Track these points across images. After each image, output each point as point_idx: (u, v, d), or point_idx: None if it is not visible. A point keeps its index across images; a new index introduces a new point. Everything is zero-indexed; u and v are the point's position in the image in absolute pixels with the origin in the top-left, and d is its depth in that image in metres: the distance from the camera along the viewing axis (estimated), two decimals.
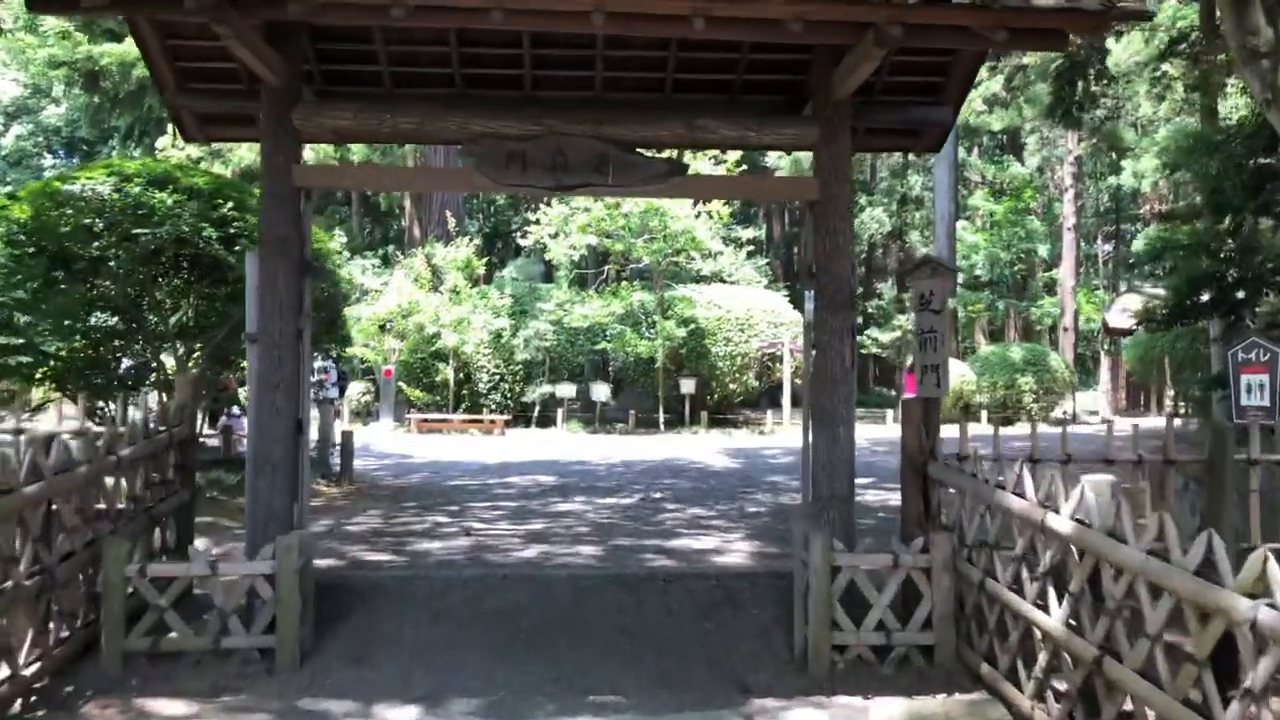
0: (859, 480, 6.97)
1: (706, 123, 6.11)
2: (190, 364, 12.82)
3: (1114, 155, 34.65)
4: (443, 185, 7.15)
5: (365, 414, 26.83)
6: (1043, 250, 34.44)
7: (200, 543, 7.20)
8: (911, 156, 39.29)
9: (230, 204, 11.35)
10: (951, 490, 6.05)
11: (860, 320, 40.48)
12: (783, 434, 24.39)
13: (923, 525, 6.12)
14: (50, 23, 29.72)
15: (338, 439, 15.15)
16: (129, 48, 30.65)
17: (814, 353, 6.41)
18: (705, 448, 19.15)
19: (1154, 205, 33.50)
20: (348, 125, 6.10)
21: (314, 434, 16.66)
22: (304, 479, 6.35)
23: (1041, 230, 34.55)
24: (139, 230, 10.78)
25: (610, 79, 6.99)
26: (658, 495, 11.53)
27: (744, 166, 24.28)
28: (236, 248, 11.37)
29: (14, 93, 39.51)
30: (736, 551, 8.50)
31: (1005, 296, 34.20)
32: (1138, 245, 34.57)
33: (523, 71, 6.88)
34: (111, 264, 11.08)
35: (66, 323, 11.22)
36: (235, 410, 14.92)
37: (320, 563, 7.89)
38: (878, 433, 25.33)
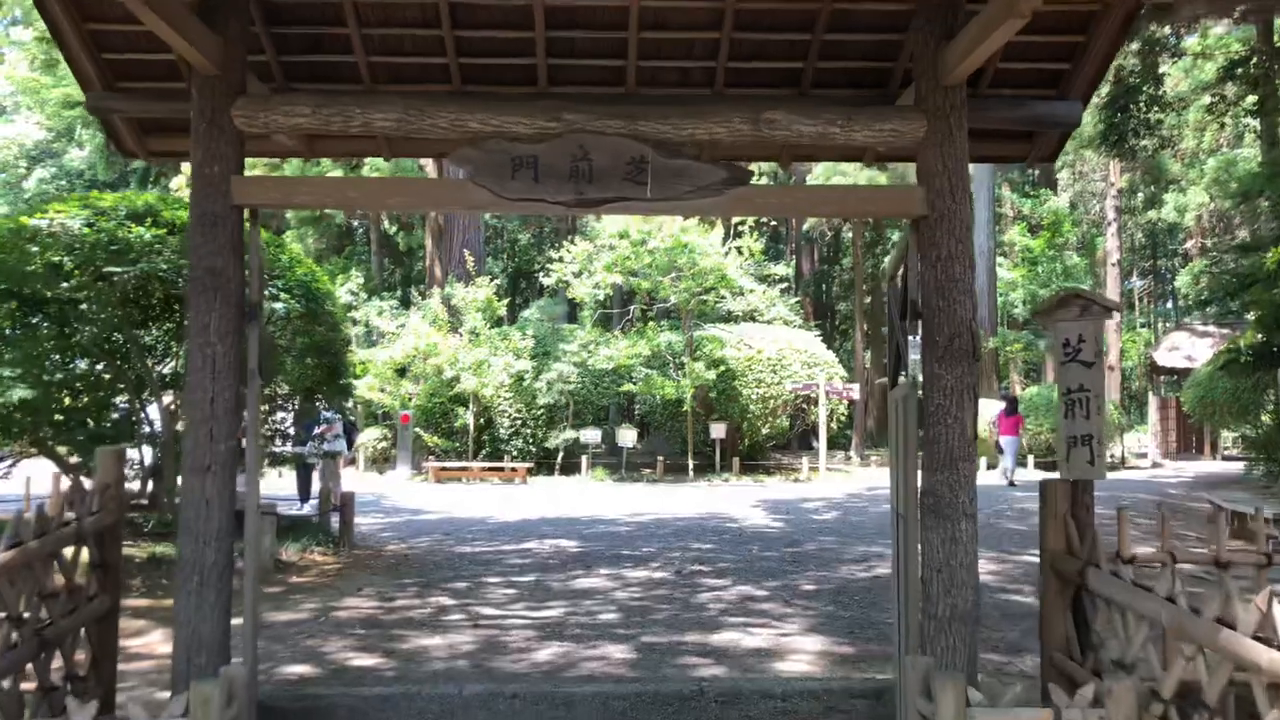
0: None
1: (777, 116, 4.50)
2: (180, 416, 11.36)
3: (1154, 188, 32.96)
4: (431, 202, 5.77)
5: (382, 461, 25.28)
6: (1082, 286, 32.62)
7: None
8: None
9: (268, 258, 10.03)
10: (1111, 601, 4.35)
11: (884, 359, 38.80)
12: (820, 482, 22.63)
13: (1076, 656, 4.42)
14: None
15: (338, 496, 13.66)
16: None
17: (898, 411, 4.75)
18: (740, 500, 17.42)
19: (1198, 239, 31.70)
20: (305, 123, 4.52)
21: (315, 487, 15.12)
22: (252, 588, 4.73)
23: (1081, 266, 32.79)
24: (112, 268, 9.41)
25: (646, 71, 5.41)
26: (695, 566, 9.84)
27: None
28: (281, 303, 10.11)
29: (37, 136, 38.65)
30: (800, 652, 6.78)
31: (1043, 335, 32.37)
32: (1182, 280, 32.79)
33: (535, 61, 5.31)
34: (83, 306, 9.71)
35: (35, 370, 9.79)
36: None
37: (291, 669, 6.27)
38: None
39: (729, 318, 25.72)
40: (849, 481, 22.81)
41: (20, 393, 9.70)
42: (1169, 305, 45.60)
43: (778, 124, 4.52)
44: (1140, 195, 36.54)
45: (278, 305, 10.28)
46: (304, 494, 15.57)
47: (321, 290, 11.14)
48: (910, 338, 4.67)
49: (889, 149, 5.11)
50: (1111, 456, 28.11)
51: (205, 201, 4.49)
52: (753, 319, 25.78)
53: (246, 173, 4.80)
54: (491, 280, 24.00)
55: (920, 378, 4.68)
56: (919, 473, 4.67)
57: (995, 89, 5.34)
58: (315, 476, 13.92)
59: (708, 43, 5.28)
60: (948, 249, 4.51)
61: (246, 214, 4.65)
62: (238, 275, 4.54)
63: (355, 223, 30.47)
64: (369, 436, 25.16)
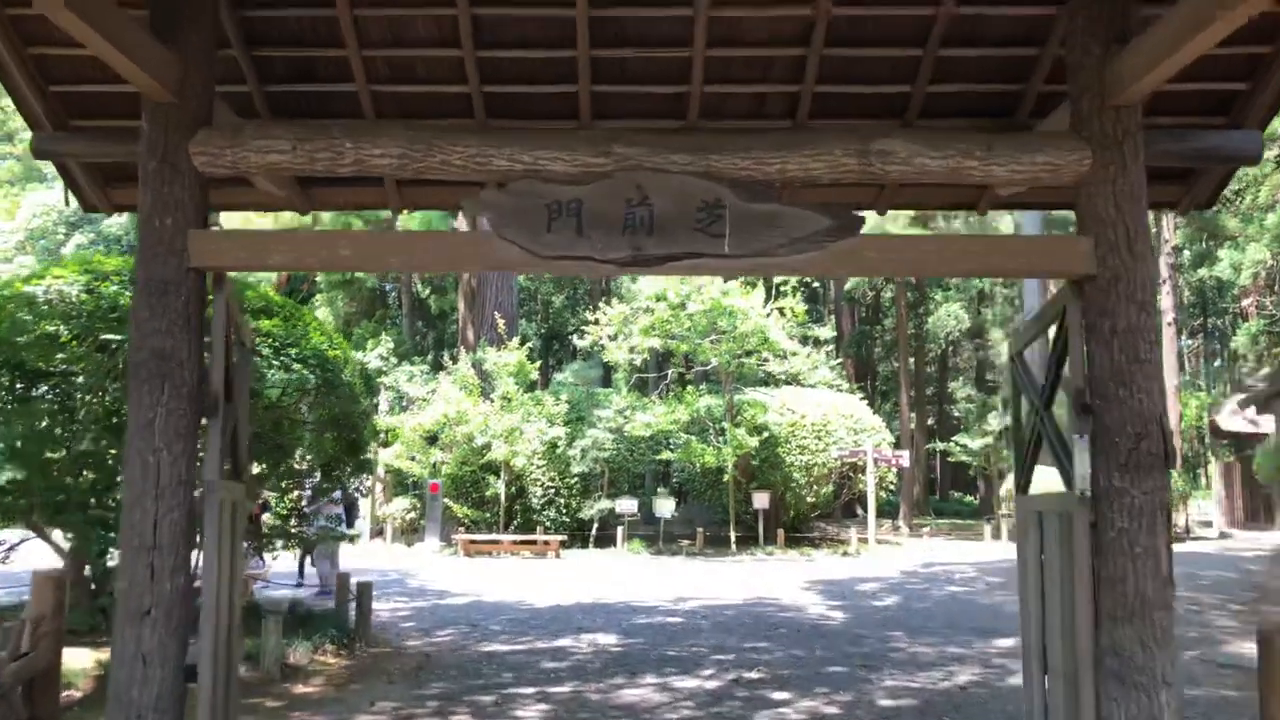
0: (987, 640, 4.03)
1: (894, 147, 3.41)
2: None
3: (1209, 244, 31.62)
4: (445, 261, 4.61)
5: (411, 532, 24.15)
6: None
7: None
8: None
9: (278, 326, 9.25)
10: None
11: (933, 421, 37.26)
12: (871, 556, 21.20)
13: None
14: None
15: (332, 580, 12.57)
16: None
17: (1044, 532, 3.55)
18: (789, 579, 16.07)
19: (1255, 297, 30.27)
20: (285, 161, 3.48)
21: (310, 569, 14.01)
22: None
23: None
24: (112, 336, 8.45)
25: (713, 99, 4.33)
26: (753, 674, 8.55)
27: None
28: (291, 372, 9.17)
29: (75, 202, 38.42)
30: None
31: None
32: (1239, 340, 31.24)
33: (576, 89, 4.25)
34: (80, 379, 8.76)
35: (31, 448, 8.83)
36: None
37: None
38: (979, 551, 22.24)
39: (770, 381, 24.54)
40: (902, 556, 21.36)
41: (10, 473, 8.72)
42: (1217, 364, 43.92)
43: (894, 157, 3.42)
44: (1187, 252, 35.16)
45: (289, 375, 9.27)
46: (302, 572, 14.46)
47: (339, 359, 10.10)
48: (1079, 438, 3.48)
49: (1032, 188, 3.95)
50: (1176, 527, 26.50)
51: (153, 263, 3.43)
52: (795, 383, 24.57)
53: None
54: (524, 343, 23.01)
55: (1088, 491, 3.49)
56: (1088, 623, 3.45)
57: (1150, 116, 4.22)
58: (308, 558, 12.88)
59: (791, 62, 4.20)
60: (1127, 319, 3.35)
61: (210, 280, 3.59)
62: (193, 359, 3.46)
63: (387, 285, 29.75)
64: (397, 507, 24.06)
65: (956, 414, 37.93)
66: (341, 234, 4.10)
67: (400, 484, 25.07)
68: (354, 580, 10.80)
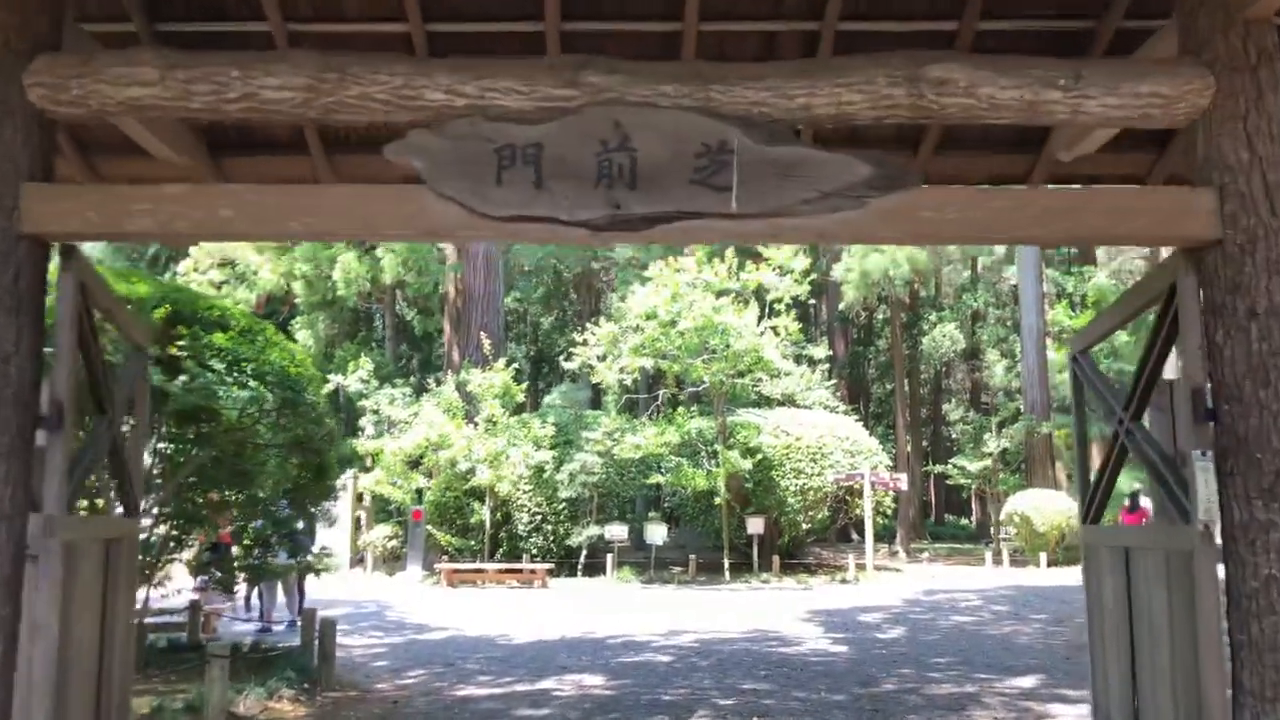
0: (1003, 677, 3.18)
1: (955, 74, 2.57)
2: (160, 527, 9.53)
3: None
4: (360, 225, 3.55)
5: (393, 560, 23.13)
6: (1131, 368, 30.37)
7: None
8: (982, 266, 35.75)
9: (169, 316, 8.36)
10: None
11: (927, 444, 36.36)
12: (870, 584, 20.27)
13: None
14: None
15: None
16: None
17: (1127, 574, 2.67)
18: (787, 610, 15.13)
19: None
20: (150, 96, 2.62)
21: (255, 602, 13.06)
22: None
23: (1127, 345, 30.61)
24: None
25: (711, 39, 3.49)
26: None
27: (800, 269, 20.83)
28: (182, 376, 8.26)
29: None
30: None
31: (1092, 419, 30.02)
32: None
33: (541, 27, 3.40)
34: None
35: None
36: (204, 578, 11.36)
37: None
38: (980, 578, 20.95)
39: (763, 402, 23.66)
40: (902, 583, 20.42)
41: None
42: None
43: (952, 86, 2.59)
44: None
45: (243, 393, 8.38)
46: (300, 605, 13.48)
47: (302, 377, 9.20)
48: (1200, 454, 2.61)
49: (1127, 128, 3.08)
50: None
51: None
52: (789, 404, 23.69)
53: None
54: (510, 364, 22.11)
55: (1214, 524, 2.62)
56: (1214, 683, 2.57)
57: None
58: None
59: None
60: (1269, 297, 2.49)
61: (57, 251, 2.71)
62: (27, 354, 2.57)
63: (372, 306, 28.87)
64: (378, 535, 23.04)
65: (952, 436, 37.13)
66: (223, 190, 3.20)
67: (383, 510, 24.08)
68: (321, 614, 9.87)
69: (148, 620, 11.75)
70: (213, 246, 25.91)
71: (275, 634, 12.38)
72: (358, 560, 22.96)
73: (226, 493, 10.18)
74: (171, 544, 10.18)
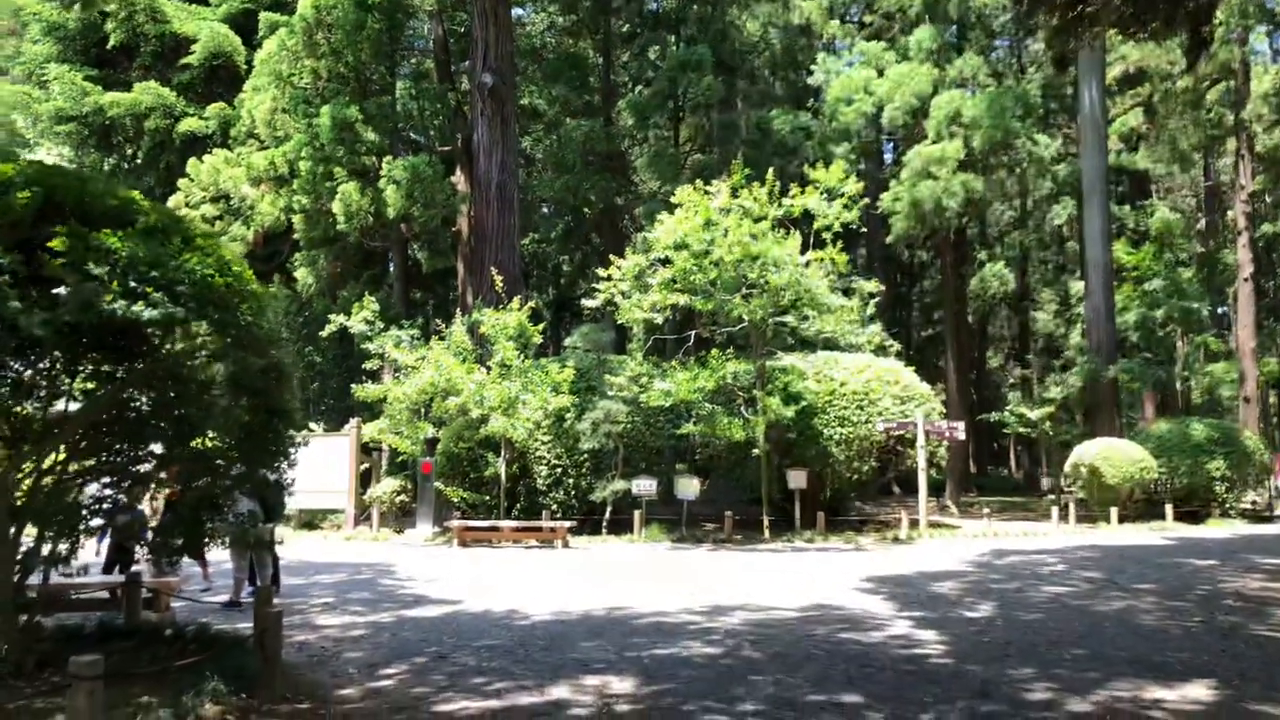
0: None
1: None
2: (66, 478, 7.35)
3: None
4: None
5: (403, 515, 21.02)
6: (1197, 306, 27.59)
7: None
8: (1033, 199, 32.93)
9: (40, 206, 6.06)
10: None
11: (974, 393, 33.82)
12: (927, 543, 17.97)
13: None
14: (56, 71, 25.19)
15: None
16: (138, 95, 25.98)
17: None
18: (842, 576, 12.87)
19: None
20: None
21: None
22: None
23: (1194, 283, 27.86)
24: None
25: None
26: None
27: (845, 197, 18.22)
28: (152, 308, 6.04)
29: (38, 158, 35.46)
30: None
31: (1155, 363, 27.36)
32: None
33: None
34: None
35: None
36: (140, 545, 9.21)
37: None
38: (1048, 535, 16.99)
39: (804, 345, 21.24)
40: (962, 542, 18.10)
41: None
42: None
43: None
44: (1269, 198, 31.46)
45: (152, 312, 6.10)
46: (251, 575, 11.36)
47: (233, 291, 6.86)
48: None
49: None
50: (1253, 503, 23.11)
51: None
52: (832, 346, 21.26)
53: None
54: (526, 304, 19.76)
55: None
56: None
57: None
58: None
59: None
60: None
61: None
62: None
63: (379, 245, 26.54)
64: (385, 488, 20.91)
65: (997, 383, 34.58)
66: None
67: (397, 464, 21.95)
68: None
69: (79, 596, 9.66)
70: (206, 179, 23.61)
71: (245, 610, 10.23)
72: (363, 517, 20.88)
73: (165, 446, 8.01)
74: (101, 504, 8.00)
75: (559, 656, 7.86)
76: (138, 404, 7.77)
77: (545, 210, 33.05)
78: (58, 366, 7.50)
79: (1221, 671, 7.10)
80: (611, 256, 18.42)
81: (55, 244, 5.97)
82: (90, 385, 7.52)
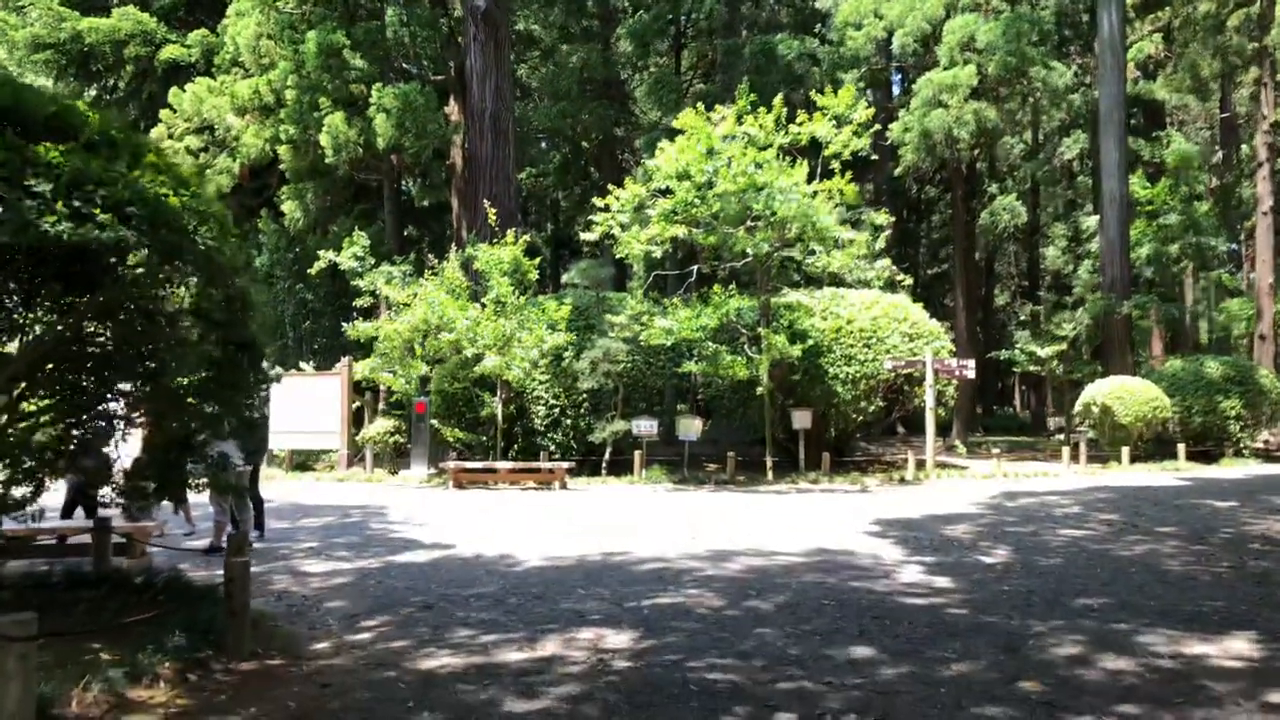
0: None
1: None
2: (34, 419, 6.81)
3: None
4: None
5: (398, 456, 20.59)
6: (1214, 241, 26.82)
7: None
8: (1044, 132, 31.97)
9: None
10: None
11: (979, 331, 33.23)
12: (935, 484, 17.54)
13: None
14: None
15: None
16: (117, 21, 24.95)
17: None
18: (849, 518, 12.43)
19: None
20: None
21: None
22: None
23: (1209, 216, 27.05)
24: None
25: None
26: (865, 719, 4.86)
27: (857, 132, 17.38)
28: (99, 230, 5.36)
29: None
30: None
31: (1168, 299, 26.68)
32: None
33: None
34: None
35: None
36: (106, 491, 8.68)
37: None
38: (1058, 476, 16.82)
39: (808, 280, 20.62)
40: (971, 483, 17.65)
41: None
42: None
43: None
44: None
45: (97, 234, 5.48)
46: (258, 520, 10.93)
47: (188, 211, 6.21)
48: None
49: None
50: (1265, 442, 22.64)
51: None
52: (838, 283, 20.64)
53: None
54: (521, 238, 19.06)
55: None
56: None
57: None
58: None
59: None
60: None
61: None
62: None
63: (370, 178, 25.72)
64: (378, 428, 20.44)
65: (1004, 320, 33.95)
66: None
67: (386, 402, 21.46)
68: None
69: (41, 541, 9.19)
70: (189, 109, 22.73)
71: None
72: (357, 458, 20.43)
73: (133, 385, 7.50)
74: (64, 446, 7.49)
75: (552, 607, 7.39)
76: (101, 338, 7.21)
77: (542, 145, 32.13)
78: (14, 299, 6.95)
79: (1262, 623, 6.60)
80: (610, 187, 17.68)
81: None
82: (53, 320, 6.95)
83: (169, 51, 24.71)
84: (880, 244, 17.89)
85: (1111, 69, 23.70)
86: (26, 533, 8.76)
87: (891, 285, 20.15)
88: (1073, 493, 15.53)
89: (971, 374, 19.63)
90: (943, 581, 8.25)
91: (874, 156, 19.81)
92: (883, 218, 18.50)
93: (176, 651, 5.71)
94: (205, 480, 8.30)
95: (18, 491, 7.00)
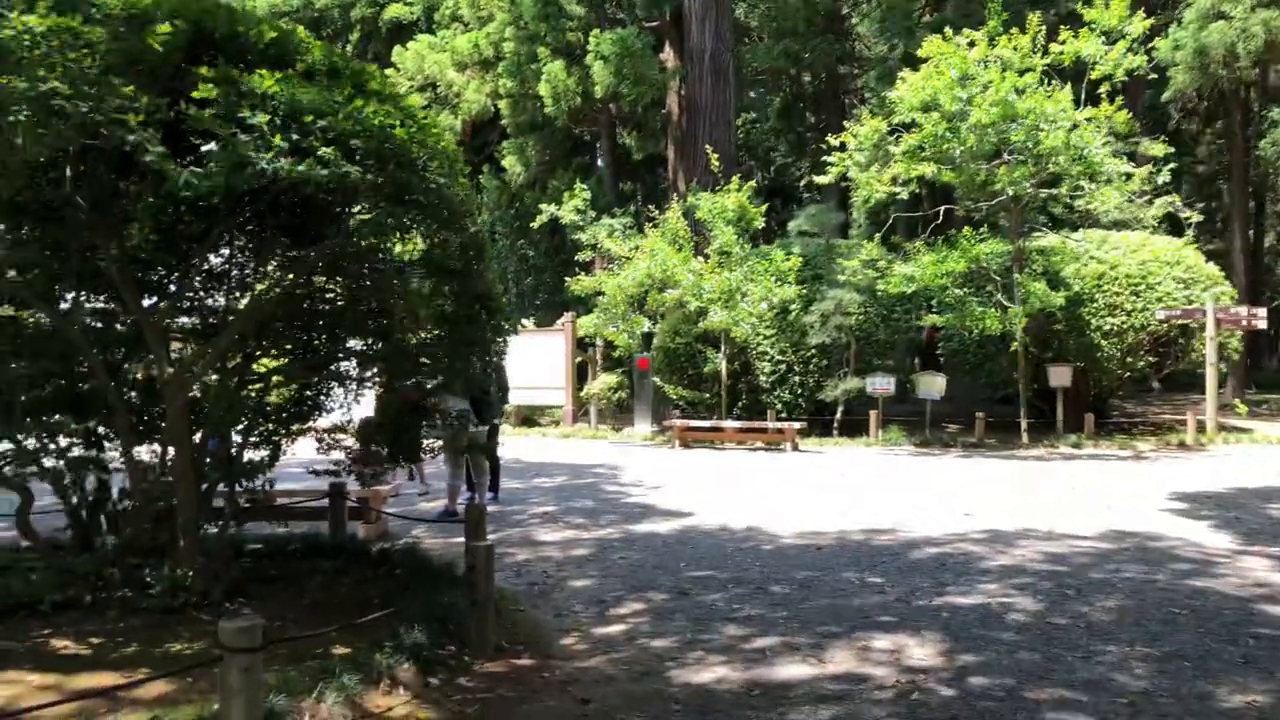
0: None
1: None
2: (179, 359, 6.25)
3: None
4: None
5: (621, 412, 19.99)
6: None
7: None
8: None
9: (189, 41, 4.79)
10: None
11: (1246, 278, 29.23)
12: (1226, 449, 15.18)
13: None
14: None
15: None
16: None
17: None
18: (1141, 492, 10.59)
19: None
20: None
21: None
22: None
23: None
24: None
25: None
26: None
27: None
28: (322, 166, 4.64)
29: None
30: None
31: None
32: None
33: None
34: None
35: None
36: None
37: None
38: None
39: (1056, 222, 18.33)
40: (1266, 448, 15.16)
41: None
42: None
43: None
44: None
45: (318, 171, 4.65)
46: (470, 481, 10.28)
47: (420, 146, 5.31)
48: None
49: None
50: None
51: None
52: (1094, 224, 18.24)
53: None
54: (748, 183, 17.78)
55: None
56: None
57: None
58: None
59: None
60: None
61: None
62: None
63: (586, 132, 25.12)
64: (602, 385, 19.87)
65: (1267, 265, 29.78)
66: None
67: (608, 357, 20.89)
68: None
69: (284, 502, 8.82)
70: (412, 66, 22.74)
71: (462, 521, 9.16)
72: (581, 414, 19.99)
73: (366, 342, 6.90)
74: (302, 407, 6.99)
75: (826, 601, 6.23)
76: (331, 294, 6.58)
77: (759, 90, 30.56)
78: (243, 255, 6.42)
79: None
80: (846, 123, 16.10)
81: (201, 91, 4.61)
82: (280, 275, 6.34)
83: (392, 11, 24.93)
84: (1165, 176, 15.40)
85: None
86: (268, 495, 8.42)
87: (1175, 225, 17.52)
88: None
89: (1263, 323, 16.89)
90: None
91: (1152, 75, 17.18)
92: (1160, 148, 15.97)
93: (415, 649, 4.93)
94: (441, 441, 7.69)
95: (256, 455, 6.49)
